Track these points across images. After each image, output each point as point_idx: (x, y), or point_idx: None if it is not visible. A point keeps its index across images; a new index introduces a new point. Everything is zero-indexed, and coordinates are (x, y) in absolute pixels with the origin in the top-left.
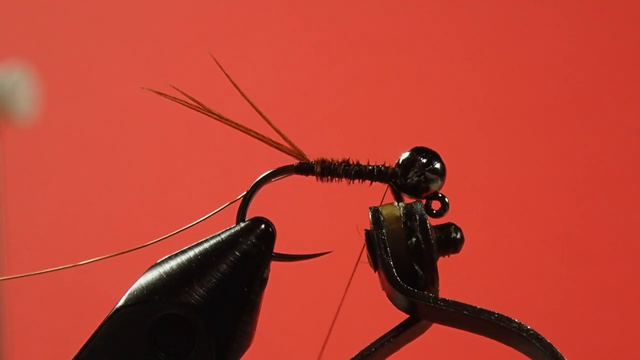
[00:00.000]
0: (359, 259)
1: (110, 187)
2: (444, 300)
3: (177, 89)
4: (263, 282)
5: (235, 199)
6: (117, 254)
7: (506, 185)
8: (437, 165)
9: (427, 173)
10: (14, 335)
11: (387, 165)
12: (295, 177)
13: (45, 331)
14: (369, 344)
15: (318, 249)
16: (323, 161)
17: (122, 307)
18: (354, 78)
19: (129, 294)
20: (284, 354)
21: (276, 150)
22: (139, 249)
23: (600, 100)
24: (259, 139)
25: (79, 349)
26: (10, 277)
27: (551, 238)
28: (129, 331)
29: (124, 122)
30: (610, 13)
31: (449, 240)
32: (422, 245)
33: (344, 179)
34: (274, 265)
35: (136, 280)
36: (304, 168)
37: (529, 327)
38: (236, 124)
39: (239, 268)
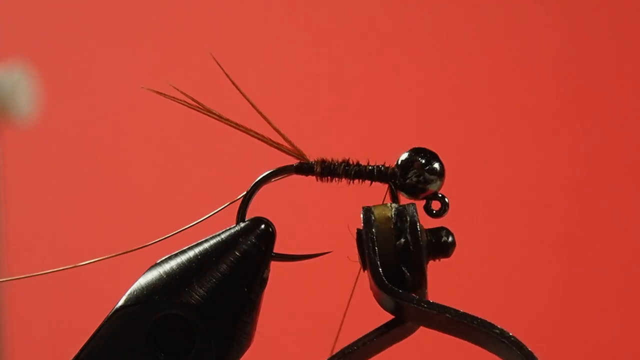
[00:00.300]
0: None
1: (110, 187)
2: (427, 302)
3: (177, 89)
4: (263, 282)
5: (235, 199)
6: (117, 255)
7: (506, 185)
8: (436, 166)
9: (426, 173)
10: (14, 335)
11: (386, 165)
12: (295, 177)
13: (45, 331)
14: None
15: (318, 249)
16: (323, 161)
17: (122, 307)
18: (354, 78)
19: (129, 294)
20: (284, 354)
21: (276, 150)
22: (139, 249)
23: (600, 100)
24: (259, 139)
25: (79, 349)
26: (11, 278)
27: (551, 238)
28: (129, 331)
29: (124, 122)
30: (610, 13)
31: (440, 244)
32: (411, 247)
33: (343, 179)
34: (274, 265)
35: (136, 280)
36: (304, 168)
37: (510, 334)
38: (236, 124)
39: (239, 268)
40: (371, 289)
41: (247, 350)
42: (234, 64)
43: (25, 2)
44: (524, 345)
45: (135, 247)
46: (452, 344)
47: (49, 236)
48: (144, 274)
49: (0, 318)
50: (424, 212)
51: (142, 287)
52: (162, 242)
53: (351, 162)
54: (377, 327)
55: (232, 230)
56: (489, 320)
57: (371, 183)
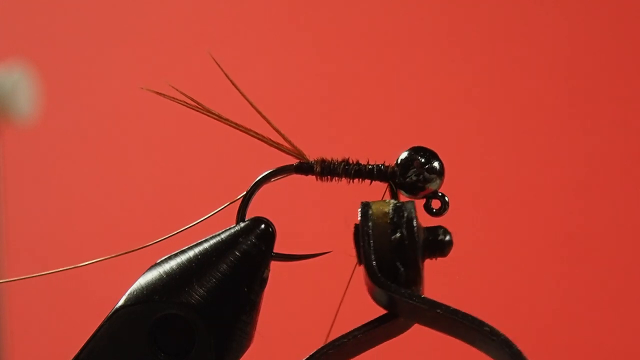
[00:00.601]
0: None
1: (110, 187)
2: (418, 296)
3: (177, 89)
4: (263, 282)
5: (235, 199)
6: (117, 255)
7: (506, 185)
8: (436, 164)
9: (425, 172)
10: (14, 335)
11: (386, 164)
12: (295, 177)
13: (45, 331)
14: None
15: (318, 249)
16: (323, 161)
17: (122, 307)
18: (354, 78)
19: (128, 294)
20: (284, 354)
21: (276, 150)
22: (139, 249)
23: (600, 100)
24: (258, 139)
25: (79, 349)
26: (11, 279)
27: (551, 238)
28: (129, 331)
29: (123, 122)
30: (610, 13)
31: (437, 242)
32: (406, 242)
33: (343, 179)
34: (274, 265)
35: (136, 280)
36: (304, 168)
37: (500, 332)
38: (236, 124)
39: (239, 268)
40: (365, 283)
41: (247, 350)
42: (233, 64)
43: (25, 2)
44: (513, 344)
45: (135, 247)
46: (450, 346)
47: (49, 236)
48: (144, 274)
49: (0, 318)
50: (424, 211)
51: (142, 287)
52: (162, 242)
53: (351, 162)
54: (368, 321)
55: (232, 230)
56: (479, 318)
57: (371, 182)
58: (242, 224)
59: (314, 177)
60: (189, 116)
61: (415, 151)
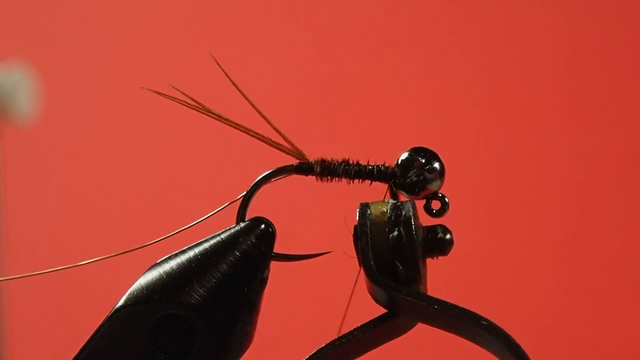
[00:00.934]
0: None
1: (110, 187)
2: (416, 293)
3: (177, 89)
4: (263, 282)
5: (235, 199)
6: (117, 254)
7: (506, 185)
8: (436, 165)
9: (426, 173)
10: (14, 335)
11: (386, 165)
12: (295, 177)
13: (45, 331)
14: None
15: (318, 249)
16: (323, 161)
17: (122, 307)
18: (354, 78)
19: (128, 294)
20: (284, 354)
21: (276, 150)
22: (139, 249)
23: (600, 100)
24: (258, 139)
25: (79, 349)
26: (10, 277)
27: (551, 238)
28: (129, 331)
29: (123, 122)
30: (610, 13)
31: (436, 241)
32: (404, 239)
33: (343, 179)
34: (274, 265)
35: (136, 280)
36: (304, 168)
37: (498, 326)
38: (236, 124)
39: (239, 268)
40: (365, 283)
41: (247, 350)
42: (233, 64)
43: (25, 2)
44: (511, 337)
45: (135, 247)
46: (456, 349)
47: (49, 236)
48: (144, 274)
49: (0, 318)
50: (425, 212)
51: (142, 287)
52: (162, 242)
53: (351, 162)
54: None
55: (232, 230)
56: (477, 313)
57: (371, 183)
58: (242, 224)
59: (314, 177)
60: (189, 116)
61: (416, 152)
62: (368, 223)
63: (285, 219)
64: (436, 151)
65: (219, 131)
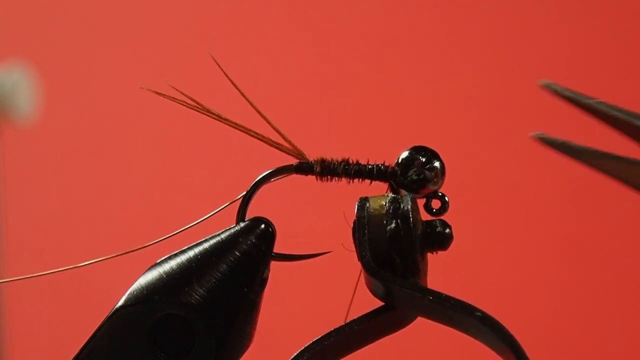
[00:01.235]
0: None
1: (110, 187)
2: (410, 284)
3: (177, 89)
4: (263, 282)
5: (235, 199)
6: (117, 255)
7: (506, 185)
8: (436, 164)
9: (426, 172)
10: (14, 335)
11: (386, 164)
12: (295, 177)
13: (45, 331)
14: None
15: (318, 249)
16: (323, 161)
17: (122, 307)
18: (354, 77)
19: (128, 294)
20: (284, 354)
21: (276, 150)
22: (139, 249)
23: (600, 98)
24: (258, 139)
25: (79, 349)
26: (11, 279)
27: (551, 238)
28: (129, 331)
29: (123, 122)
30: (610, 13)
31: (435, 234)
32: (401, 232)
33: (343, 179)
34: (274, 265)
35: (136, 280)
36: (304, 168)
37: (492, 317)
38: (236, 124)
39: (238, 268)
40: (364, 276)
41: (247, 350)
42: (233, 64)
43: (25, 2)
44: (505, 328)
45: (136, 247)
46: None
47: (49, 236)
48: (143, 274)
49: (0, 318)
50: (424, 211)
51: (142, 287)
52: (162, 242)
53: (351, 162)
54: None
55: (232, 230)
56: (471, 304)
57: (371, 182)
58: (242, 224)
59: (314, 177)
60: (189, 116)
61: (416, 151)
62: (366, 215)
63: (285, 219)
64: (436, 150)
65: (219, 131)
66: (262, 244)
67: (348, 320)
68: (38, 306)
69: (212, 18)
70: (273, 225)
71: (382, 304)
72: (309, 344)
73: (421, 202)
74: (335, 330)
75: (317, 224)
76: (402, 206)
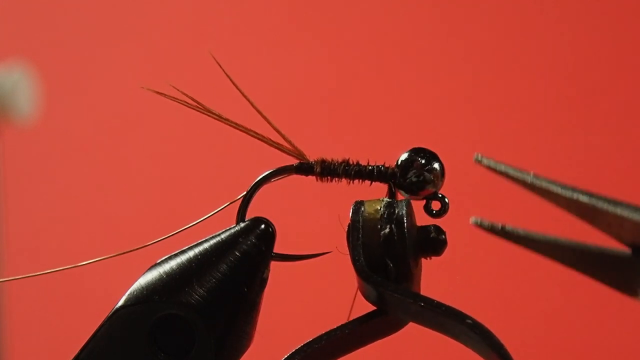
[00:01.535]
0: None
1: (110, 187)
2: (402, 289)
3: (177, 89)
4: (263, 282)
5: (235, 199)
6: (117, 255)
7: (506, 186)
8: (436, 166)
9: (425, 173)
10: (14, 335)
11: (386, 165)
12: (295, 177)
13: (45, 331)
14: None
15: (318, 249)
16: (323, 161)
17: (122, 307)
18: (354, 78)
19: (128, 294)
20: (284, 354)
21: (276, 150)
22: (139, 249)
23: (600, 100)
24: (259, 139)
25: (79, 349)
26: (10, 278)
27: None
28: (129, 331)
29: (123, 122)
30: (610, 13)
31: (428, 240)
32: (395, 237)
33: (343, 179)
34: (274, 265)
35: (136, 280)
36: (304, 168)
37: (482, 324)
38: (236, 124)
39: (238, 268)
40: (357, 280)
41: (247, 350)
42: (234, 64)
43: (25, 2)
44: (495, 337)
45: (135, 247)
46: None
47: (49, 236)
48: (144, 274)
49: (0, 318)
50: (424, 213)
51: (142, 287)
52: (162, 242)
53: (351, 162)
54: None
55: (232, 230)
56: (462, 311)
57: (371, 183)
58: (242, 224)
59: (314, 177)
60: (189, 116)
61: (416, 152)
62: (360, 220)
63: (285, 219)
64: (436, 152)
65: (219, 131)
66: (262, 244)
67: (341, 324)
68: (38, 306)
69: (212, 18)
70: (273, 226)
71: (370, 303)
72: (300, 346)
73: (421, 204)
74: (327, 333)
75: (317, 224)
76: (397, 211)
